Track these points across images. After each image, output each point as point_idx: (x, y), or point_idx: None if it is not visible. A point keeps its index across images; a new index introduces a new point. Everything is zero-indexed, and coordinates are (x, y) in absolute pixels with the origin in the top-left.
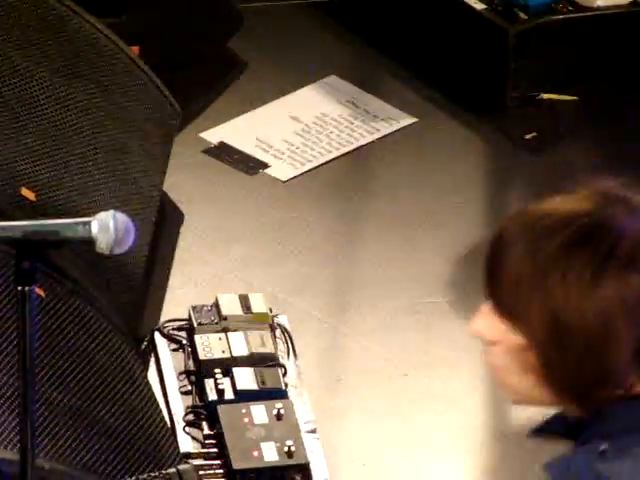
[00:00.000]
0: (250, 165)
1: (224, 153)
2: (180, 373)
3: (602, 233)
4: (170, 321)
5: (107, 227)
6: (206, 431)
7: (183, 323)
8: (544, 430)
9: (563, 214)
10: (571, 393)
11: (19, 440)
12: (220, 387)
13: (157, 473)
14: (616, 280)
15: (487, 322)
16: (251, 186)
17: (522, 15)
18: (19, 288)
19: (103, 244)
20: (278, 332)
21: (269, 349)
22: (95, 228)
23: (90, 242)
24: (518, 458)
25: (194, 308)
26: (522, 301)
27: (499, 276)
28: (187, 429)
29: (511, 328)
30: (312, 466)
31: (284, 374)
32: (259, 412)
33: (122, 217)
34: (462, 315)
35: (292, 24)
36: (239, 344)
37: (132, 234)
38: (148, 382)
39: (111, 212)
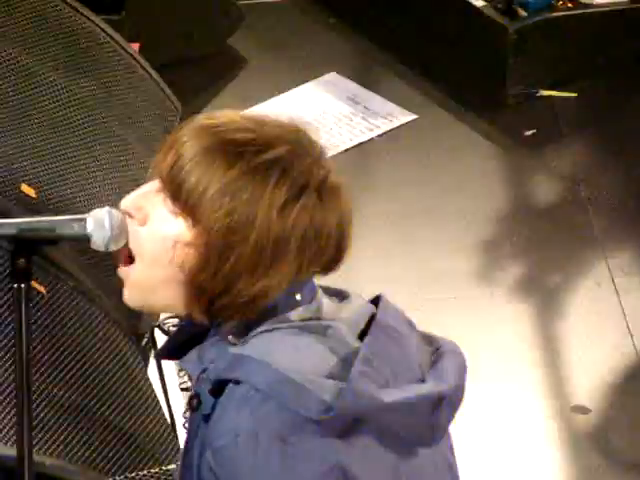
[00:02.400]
0: None
1: None
2: (180, 369)
3: (297, 166)
4: (170, 317)
5: (102, 224)
6: None
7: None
8: (169, 351)
9: (262, 134)
10: (209, 298)
11: (17, 436)
12: None
13: (157, 469)
14: (302, 213)
15: (147, 201)
16: None
17: (522, 12)
18: (15, 285)
19: (98, 241)
20: None
21: None
22: (90, 225)
23: (85, 239)
24: (510, 451)
25: None
26: (207, 204)
27: (184, 174)
28: (187, 425)
29: (183, 219)
30: None
31: None
32: None
33: (117, 213)
34: (462, 312)
35: (292, 21)
36: None
37: (127, 231)
38: (148, 378)
39: (106, 209)
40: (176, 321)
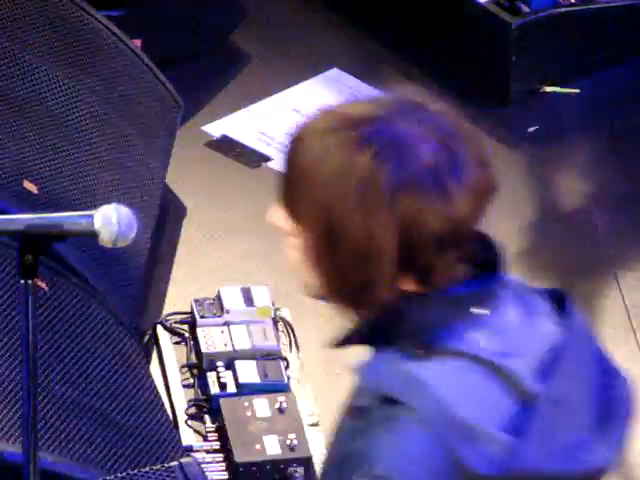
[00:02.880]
0: (252, 158)
1: (226, 146)
2: (182, 366)
3: (381, 142)
4: (172, 314)
5: (110, 220)
6: (208, 424)
7: (185, 316)
8: (345, 342)
9: (348, 116)
10: (341, 296)
11: (22, 433)
12: (222, 380)
13: (159, 466)
14: (389, 196)
15: (279, 215)
16: (253, 179)
17: (525, 8)
18: (22, 281)
19: (106, 237)
20: (280, 325)
21: (271, 342)
22: (98, 221)
23: (93, 235)
24: None
25: (196, 301)
26: (299, 201)
27: (285, 175)
28: (189, 422)
29: (295, 226)
30: (314, 459)
31: (286, 367)
32: (261, 405)
33: (125, 210)
34: None
35: (294, 17)
36: (241, 337)
37: (134, 227)
38: (150, 375)
39: (114, 205)
40: (178, 317)
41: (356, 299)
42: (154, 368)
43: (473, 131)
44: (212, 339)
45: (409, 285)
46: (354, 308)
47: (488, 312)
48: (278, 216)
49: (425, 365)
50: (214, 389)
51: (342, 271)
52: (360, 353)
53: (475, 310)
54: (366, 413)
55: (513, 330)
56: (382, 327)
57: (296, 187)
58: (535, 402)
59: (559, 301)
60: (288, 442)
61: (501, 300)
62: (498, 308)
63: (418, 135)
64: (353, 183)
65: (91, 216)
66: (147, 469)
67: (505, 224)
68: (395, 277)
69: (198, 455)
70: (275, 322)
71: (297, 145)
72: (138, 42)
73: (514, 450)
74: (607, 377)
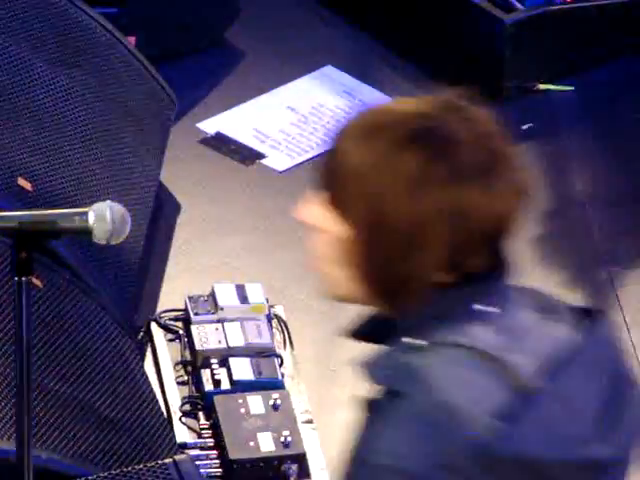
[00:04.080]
0: (247, 155)
1: (221, 143)
2: (176, 363)
3: (432, 137)
4: (166, 311)
5: (104, 217)
6: (202, 421)
7: (179, 313)
8: (358, 333)
9: (398, 113)
10: (381, 290)
11: (16, 430)
12: (216, 377)
13: (153, 463)
14: (440, 189)
15: (315, 210)
16: (248, 176)
17: (519, 5)
18: (16, 278)
19: (99, 234)
20: (275, 322)
21: (266, 339)
22: (92, 218)
23: (87, 232)
24: None
25: (190, 298)
26: (349, 193)
27: (331, 168)
28: (183, 419)
29: (338, 219)
30: (308, 456)
31: (281, 364)
32: (255, 402)
33: (118, 207)
34: None
35: (289, 14)
36: (235, 334)
37: (128, 224)
38: (144, 372)
39: (107, 202)
40: (172, 315)
41: (395, 293)
42: (148, 365)
43: (507, 134)
44: (206, 336)
45: (439, 279)
46: (390, 303)
47: (497, 310)
48: (311, 212)
49: (424, 356)
50: (208, 386)
51: (388, 264)
52: (354, 349)
53: (479, 306)
54: (376, 406)
55: (521, 331)
56: (406, 321)
57: (345, 183)
58: (534, 395)
59: (589, 315)
60: (282, 439)
61: (513, 303)
62: (509, 310)
63: (464, 133)
64: (405, 178)
65: (85, 213)
66: (141, 466)
67: None
68: (437, 270)
69: (192, 452)
70: (269, 319)
71: (345, 142)
72: (132, 39)
73: (503, 435)
74: (621, 385)
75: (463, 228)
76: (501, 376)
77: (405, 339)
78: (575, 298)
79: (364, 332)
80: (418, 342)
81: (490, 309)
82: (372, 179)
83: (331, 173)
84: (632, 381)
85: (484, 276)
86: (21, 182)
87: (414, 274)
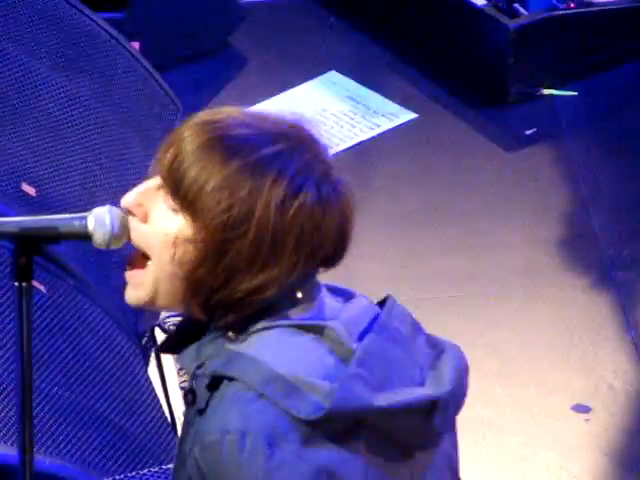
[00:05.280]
0: None
1: None
2: (180, 369)
3: (296, 162)
4: (170, 316)
5: (103, 222)
6: None
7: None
8: (170, 346)
9: (260, 130)
10: (206, 294)
11: (18, 435)
12: None
13: (157, 468)
14: (301, 210)
15: (147, 198)
16: None
17: (522, 11)
18: (17, 284)
19: (99, 239)
20: None
21: None
22: (91, 223)
23: (87, 237)
24: (510, 450)
25: None
26: (206, 199)
27: (182, 170)
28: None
29: (183, 216)
30: None
31: None
32: None
33: (118, 211)
34: (463, 310)
35: (292, 20)
36: None
37: (128, 229)
38: (148, 377)
39: (107, 207)
40: (177, 320)
41: (228, 300)
42: (152, 370)
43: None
44: None
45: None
46: (213, 307)
47: (302, 295)
48: (144, 198)
49: (249, 342)
50: None
51: (234, 273)
52: None
53: (299, 294)
54: (196, 398)
55: (329, 306)
56: (227, 320)
57: (200, 195)
58: (352, 355)
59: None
60: None
61: (312, 288)
62: (311, 292)
63: (315, 159)
64: (272, 201)
65: (84, 218)
66: (145, 471)
67: (502, 226)
68: (279, 283)
69: None
70: None
71: (194, 152)
72: (136, 44)
73: (336, 394)
74: (435, 347)
75: (316, 247)
76: (325, 342)
77: (227, 332)
78: (578, 300)
79: (177, 343)
80: (233, 333)
81: (301, 295)
82: (233, 198)
83: (179, 179)
84: (443, 340)
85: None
86: (25, 187)
87: (255, 288)
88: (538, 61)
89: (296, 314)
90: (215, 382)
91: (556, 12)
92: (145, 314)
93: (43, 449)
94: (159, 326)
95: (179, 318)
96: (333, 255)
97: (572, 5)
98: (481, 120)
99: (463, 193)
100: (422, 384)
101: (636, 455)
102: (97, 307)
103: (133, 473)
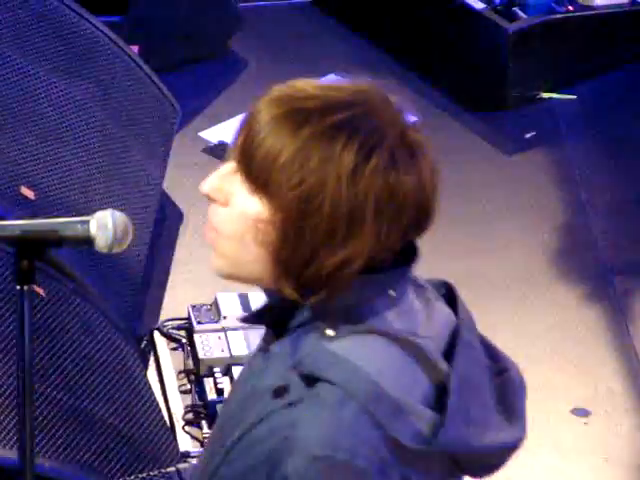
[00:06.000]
0: None
1: (224, 152)
2: (179, 372)
3: (367, 126)
4: (169, 320)
5: (105, 226)
6: (205, 430)
7: (182, 322)
8: (254, 319)
9: (329, 99)
10: (296, 275)
11: (18, 439)
12: (219, 386)
13: (156, 472)
14: (374, 176)
15: (225, 183)
16: None
17: (521, 14)
18: (18, 287)
19: (102, 243)
20: None
21: None
22: (93, 227)
23: (89, 241)
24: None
25: (193, 307)
26: (278, 175)
27: (255, 146)
28: (186, 428)
29: (259, 198)
30: None
31: None
32: None
33: (120, 215)
34: None
35: (292, 24)
36: (239, 343)
37: (130, 233)
38: (147, 381)
39: (109, 211)
40: (175, 323)
41: (313, 279)
42: (151, 374)
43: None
44: (209, 345)
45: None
46: (301, 289)
47: (395, 294)
48: (222, 186)
49: (344, 343)
50: (211, 395)
51: (315, 251)
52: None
53: (392, 292)
54: (287, 393)
55: (418, 313)
56: (318, 307)
57: (271, 170)
58: (447, 380)
59: (446, 290)
60: None
61: (405, 286)
62: (403, 293)
63: (387, 119)
64: (341, 168)
65: (87, 222)
66: (144, 475)
67: (502, 229)
68: (361, 259)
69: (195, 461)
70: None
71: (267, 125)
72: (136, 48)
73: (440, 428)
74: (496, 361)
75: (395, 214)
76: (420, 361)
77: (319, 325)
78: (577, 304)
79: (263, 317)
80: (332, 330)
81: (393, 294)
82: (303, 165)
83: (254, 151)
84: (503, 355)
85: (395, 263)
86: (24, 191)
87: (341, 262)
88: (537, 65)
89: (391, 318)
90: (312, 380)
91: (555, 16)
92: (144, 318)
93: (43, 452)
94: (158, 330)
95: (178, 322)
96: (417, 223)
97: (571, 8)
98: (480, 124)
99: (462, 197)
100: (497, 411)
101: (635, 459)
102: (96, 310)
103: (132, 477)
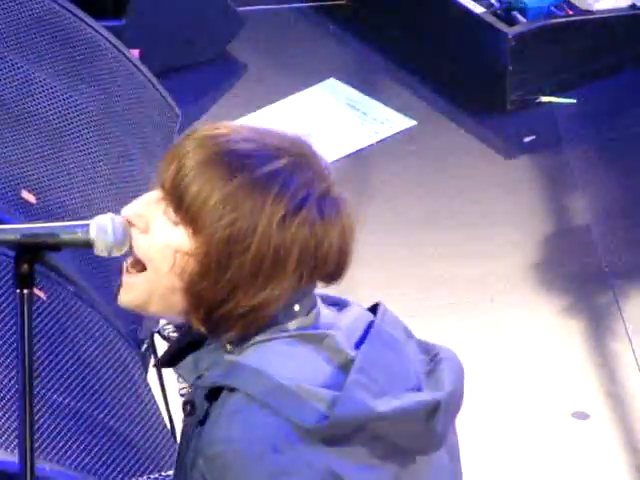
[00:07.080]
0: None
1: None
2: (179, 376)
3: (299, 178)
4: (170, 323)
5: (105, 230)
6: None
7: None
8: (167, 361)
9: (266, 145)
10: (208, 307)
11: (19, 442)
12: None
13: (156, 475)
14: (302, 226)
15: (149, 210)
16: None
17: (521, 18)
18: (18, 291)
19: (101, 247)
20: None
21: None
22: (93, 231)
23: (88, 245)
24: (510, 456)
25: None
26: (208, 214)
27: (186, 183)
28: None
29: (184, 229)
30: None
31: None
32: None
33: (120, 220)
34: (462, 317)
35: (291, 28)
36: None
37: (129, 236)
38: (148, 384)
39: (109, 215)
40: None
41: (228, 315)
42: (152, 377)
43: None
44: None
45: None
46: (206, 319)
47: (299, 309)
48: (145, 210)
49: (244, 352)
50: None
51: (235, 288)
52: None
53: (296, 307)
54: (194, 409)
55: (327, 315)
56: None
57: (202, 210)
58: (354, 363)
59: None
60: None
61: (312, 300)
62: (309, 306)
63: (317, 177)
64: (274, 217)
65: (86, 225)
66: (144, 478)
67: (501, 234)
68: (279, 301)
69: None
70: None
71: (196, 168)
72: (136, 52)
73: (337, 401)
74: (430, 354)
75: (318, 263)
76: (323, 350)
77: (225, 343)
78: (576, 306)
79: (175, 354)
80: (231, 345)
81: (298, 309)
82: (236, 212)
83: (182, 193)
84: (437, 346)
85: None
86: (25, 195)
87: (259, 304)
88: (537, 69)
89: (293, 326)
90: (214, 392)
91: (555, 20)
92: (145, 321)
93: (43, 455)
94: (159, 333)
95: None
96: (334, 272)
97: (570, 13)
98: (480, 127)
99: (462, 200)
100: (419, 389)
101: (635, 462)
102: (97, 314)
103: (132, 479)
